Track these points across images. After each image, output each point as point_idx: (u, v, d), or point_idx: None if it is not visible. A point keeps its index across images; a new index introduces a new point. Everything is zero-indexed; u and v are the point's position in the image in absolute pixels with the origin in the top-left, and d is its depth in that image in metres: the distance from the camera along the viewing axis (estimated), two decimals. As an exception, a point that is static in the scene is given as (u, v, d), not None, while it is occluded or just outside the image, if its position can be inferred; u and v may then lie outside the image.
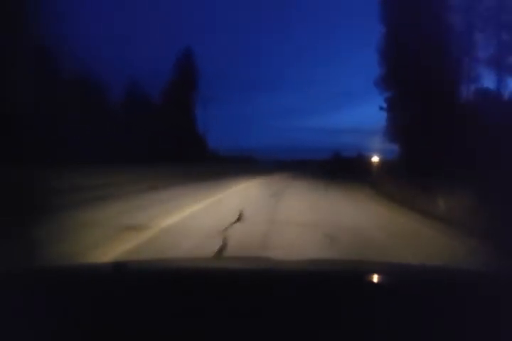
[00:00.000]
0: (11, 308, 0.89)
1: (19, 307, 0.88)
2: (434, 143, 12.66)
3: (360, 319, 0.85)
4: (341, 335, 0.80)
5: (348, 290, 1.05)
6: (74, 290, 1.02)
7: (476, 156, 9.98)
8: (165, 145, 27.74)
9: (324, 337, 0.79)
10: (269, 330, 0.79)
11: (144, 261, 2.66)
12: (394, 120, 17.85)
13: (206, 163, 29.78)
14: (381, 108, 22.56)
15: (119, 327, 0.82)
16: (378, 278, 1.23)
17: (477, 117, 11.71)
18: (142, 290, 1.03)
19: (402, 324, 0.84)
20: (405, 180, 11.29)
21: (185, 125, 31.77)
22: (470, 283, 1.14)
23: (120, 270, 1.24)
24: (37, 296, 0.96)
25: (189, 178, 17.01)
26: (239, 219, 6.32)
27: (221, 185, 14.29)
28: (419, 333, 0.81)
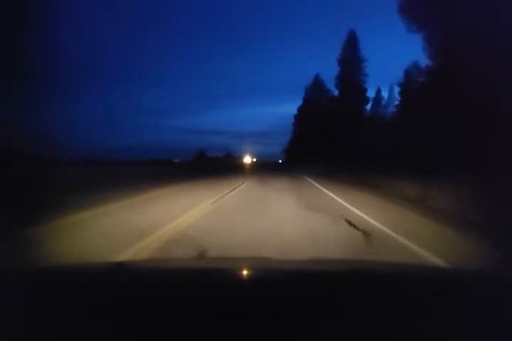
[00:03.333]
0: (11, 308, 0.89)
1: (19, 307, 0.88)
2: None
3: (361, 319, 0.85)
4: (342, 335, 0.79)
5: (348, 290, 1.05)
6: (74, 290, 1.02)
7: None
8: None
9: (325, 337, 0.78)
10: (269, 330, 0.79)
11: (144, 261, 2.66)
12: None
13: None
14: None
15: (118, 327, 0.82)
16: (378, 278, 1.23)
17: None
18: (142, 290, 1.03)
19: (403, 324, 0.84)
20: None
21: None
22: (470, 283, 1.14)
23: (120, 270, 1.24)
24: (37, 296, 0.96)
25: None
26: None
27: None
28: (419, 333, 0.81)
